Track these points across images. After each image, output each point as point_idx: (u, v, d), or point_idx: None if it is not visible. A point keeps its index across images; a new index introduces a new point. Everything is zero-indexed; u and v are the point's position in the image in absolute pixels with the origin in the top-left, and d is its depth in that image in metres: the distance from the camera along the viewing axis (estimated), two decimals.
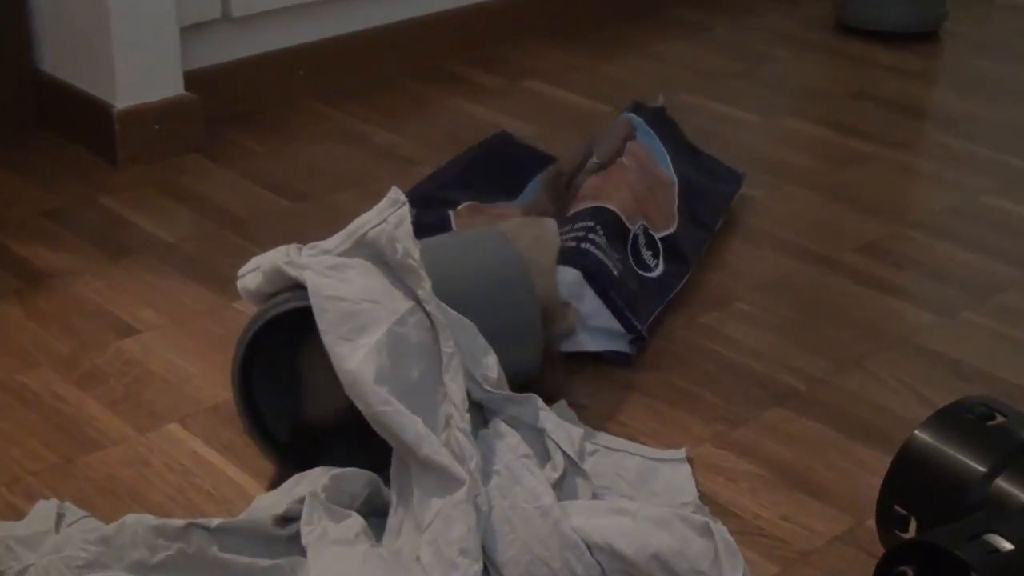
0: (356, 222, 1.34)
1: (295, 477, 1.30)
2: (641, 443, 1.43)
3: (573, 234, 1.61)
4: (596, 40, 2.53)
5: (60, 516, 1.26)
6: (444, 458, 1.20)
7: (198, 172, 2.02)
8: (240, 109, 2.18)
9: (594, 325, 1.55)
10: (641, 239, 1.67)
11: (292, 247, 1.36)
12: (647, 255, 1.67)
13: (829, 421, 1.49)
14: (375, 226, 1.32)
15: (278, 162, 2.05)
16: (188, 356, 1.58)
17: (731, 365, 1.59)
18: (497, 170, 1.90)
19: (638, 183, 1.74)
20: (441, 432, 1.23)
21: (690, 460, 1.41)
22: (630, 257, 1.64)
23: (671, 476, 1.38)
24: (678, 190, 1.81)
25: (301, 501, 1.23)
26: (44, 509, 1.27)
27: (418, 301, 1.29)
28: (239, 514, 1.27)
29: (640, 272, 1.64)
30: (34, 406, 1.48)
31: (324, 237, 1.75)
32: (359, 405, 1.23)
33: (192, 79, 2.09)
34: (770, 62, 2.49)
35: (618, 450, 1.40)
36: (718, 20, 2.66)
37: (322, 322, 1.26)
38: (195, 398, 1.51)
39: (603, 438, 1.42)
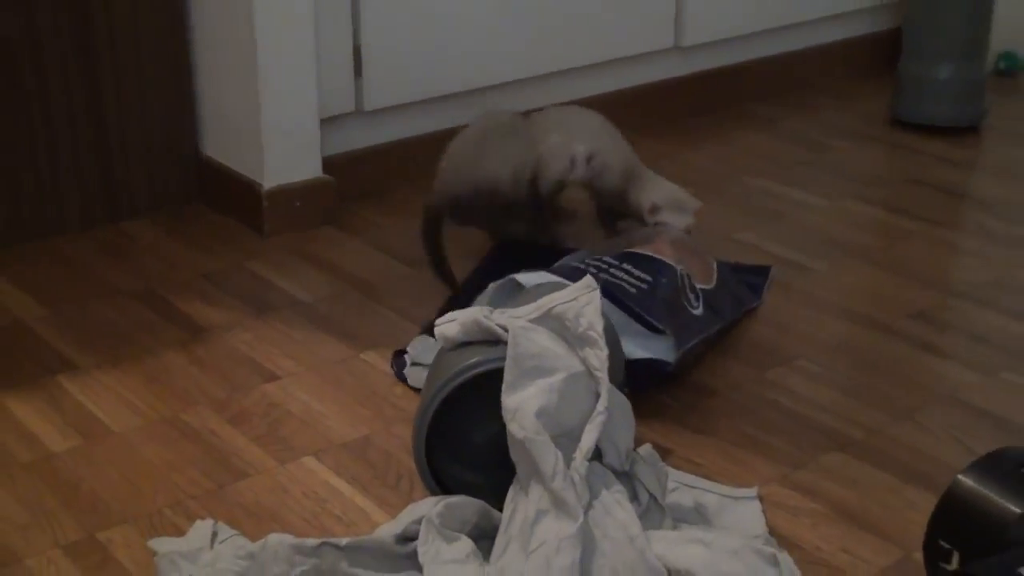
0: (547, 298, 1.36)
1: (411, 505, 1.31)
2: (716, 482, 1.43)
3: (594, 263, 1.64)
4: (681, 131, 2.54)
5: (214, 534, 1.29)
6: (570, 495, 1.21)
7: (332, 242, 2.05)
8: (369, 188, 2.21)
9: (630, 332, 1.56)
10: (686, 281, 1.67)
11: (484, 308, 1.38)
12: (691, 296, 1.67)
13: (883, 466, 1.48)
14: (566, 302, 1.35)
15: (400, 234, 2.07)
16: (322, 399, 1.60)
17: (796, 415, 1.58)
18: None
19: (678, 244, 1.76)
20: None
21: (760, 498, 1.41)
22: (680, 290, 1.64)
23: (743, 512, 1.38)
24: (716, 268, 1.80)
25: (418, 522, 1.25)
26: (201, 528, 1.31)
27: (589, 369, 1.31)
28: (365, 535, 1.29)
29: (687, 306, 1.65)
30: (194, 440, 1.52)
31: (437, 297, 1.79)
32: (512, 428, 1.25)
33: (328, 163, 2.13)
34: (833, 152, 2.48)
35: (695, 488, 1.41)
36: (787, 114, 2.66)
37: (510, 361, 1.28)
38: (327, 436, 1.53)
39: (682, 477, 1.43)
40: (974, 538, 1.18)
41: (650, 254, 1.69)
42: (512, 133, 1.90)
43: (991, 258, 2.03)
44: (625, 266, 1.65)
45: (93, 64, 2.01)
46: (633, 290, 1.60)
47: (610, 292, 1.56)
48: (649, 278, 1.62)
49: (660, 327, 1.56)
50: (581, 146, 1.89)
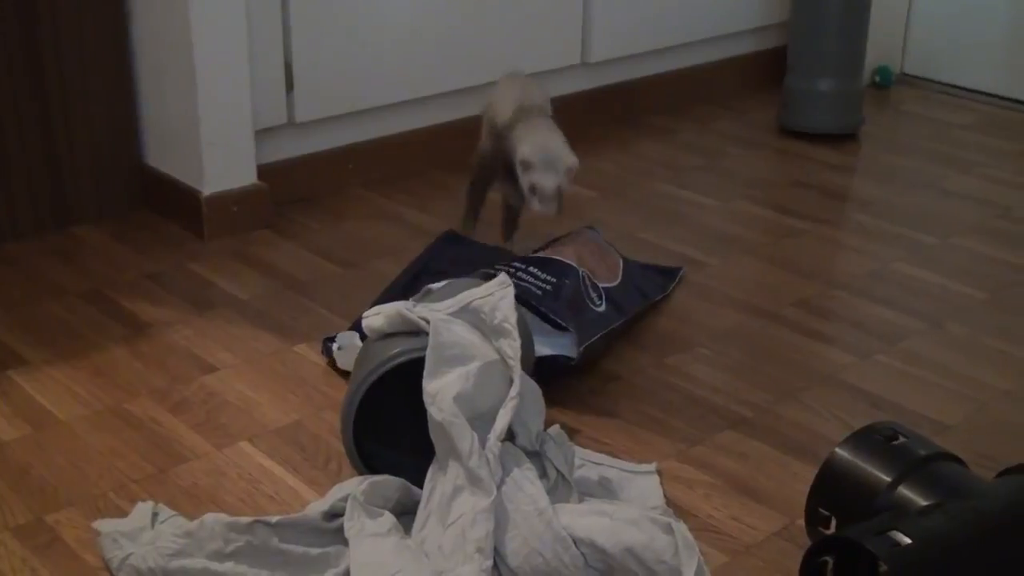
0: (466, 293, 1.35)
1: (338, 484, 1.30)
2: (619, 459, 1.44)
3: (502, 267, 1.64)
4: (587, 140, 2.54)
5: (155, 515, 1.27)
6: (484, 472, 1.21)
7: (267, 244, 2.03)
8: (301, 194, 2.20)
9: (535, 330, 1.55)
10: (588, 281, 1.67)
11: (407, 303, 1.36)
12: (593, 295, 1.67)
13: (770, 441, 1.49)
14: (483, 297, 1.34)
15: (331, 236, 2.06)
16: (257, 388, 1.59)
17: (692, 397, 1.59)
18: (447, 270, 1.76)
19: (581, 246, 1.75)
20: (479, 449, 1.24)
21: (658, 472, 1.41)
22: (582, 291, 1.64)
23: (642, 485, 1.38)
24: (622, 265, 1.80)
25: (345, 500, 1.24)
26: (142, 509, 1.29)
27: (503, 358, 1.30)
28: (295, 513, 1.27)
29: (589, 305, 1.65)
30: (136, 428, 1.49)
31: (367, 296, 1.77)
32: (431, 411, 1.24)
33: (263, 171, 2.11)
34: (725, 158, 2.50)
35: (600, 464, 1.41)
36: (684, 125, 2.68)
37: (431, 350, 1.27)
38: (261, 422, 1.51)
39: (588, 454, 1.43)
40: (849, 505, 1.20)
41: (554, 257, 1.68)
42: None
43: (868, 253, 2.05)
44: (531, 269, 1.65)
45: (42, 83, 1.98)
46: (539, 292, 1.60)
47: (517, 294, 1.55)
48: (554, 279, 1.62)
49: (564, 325, 1.56)
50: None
